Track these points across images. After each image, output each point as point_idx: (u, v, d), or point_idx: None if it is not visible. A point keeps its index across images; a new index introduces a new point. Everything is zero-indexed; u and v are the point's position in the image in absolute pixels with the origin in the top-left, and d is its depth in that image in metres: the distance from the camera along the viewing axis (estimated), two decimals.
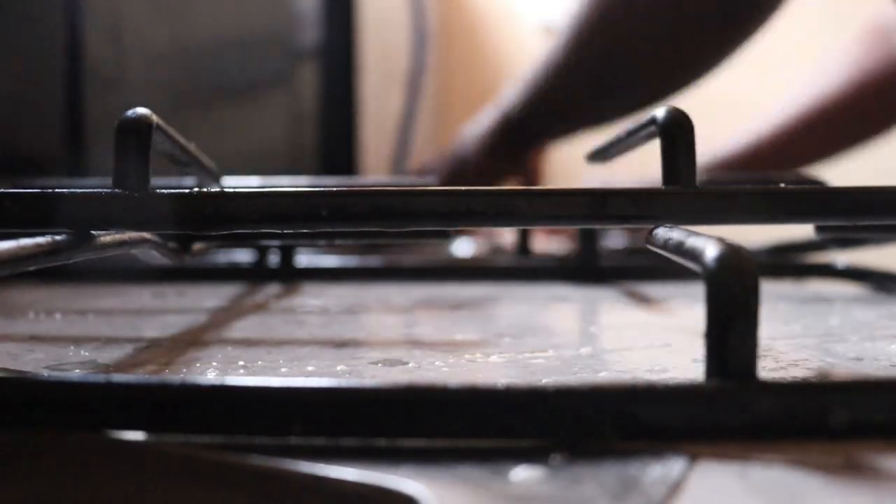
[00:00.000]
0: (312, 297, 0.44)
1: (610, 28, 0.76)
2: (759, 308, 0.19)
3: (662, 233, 0.25)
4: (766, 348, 0.29)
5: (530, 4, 1.69)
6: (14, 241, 0.24)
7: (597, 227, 0.49)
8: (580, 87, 0.78)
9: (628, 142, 0.34)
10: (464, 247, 0.73)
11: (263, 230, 0.33)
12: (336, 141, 1.06)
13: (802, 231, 0.46)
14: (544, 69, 0.79)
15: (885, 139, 0.91)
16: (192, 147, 0.34)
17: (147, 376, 0.24)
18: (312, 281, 0.50)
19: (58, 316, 0.37)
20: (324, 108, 1.05)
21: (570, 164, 0.71)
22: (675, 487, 0.16)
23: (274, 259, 0.51)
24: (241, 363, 0.27)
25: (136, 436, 0.18)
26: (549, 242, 0.81)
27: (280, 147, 0.99)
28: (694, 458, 0.18)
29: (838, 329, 0.34)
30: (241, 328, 0.34)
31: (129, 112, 0.28)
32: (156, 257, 0.34)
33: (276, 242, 0.49)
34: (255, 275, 0.50)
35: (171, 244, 0.36)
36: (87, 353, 0.28)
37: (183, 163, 0.34)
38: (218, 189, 0.36)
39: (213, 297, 0.43)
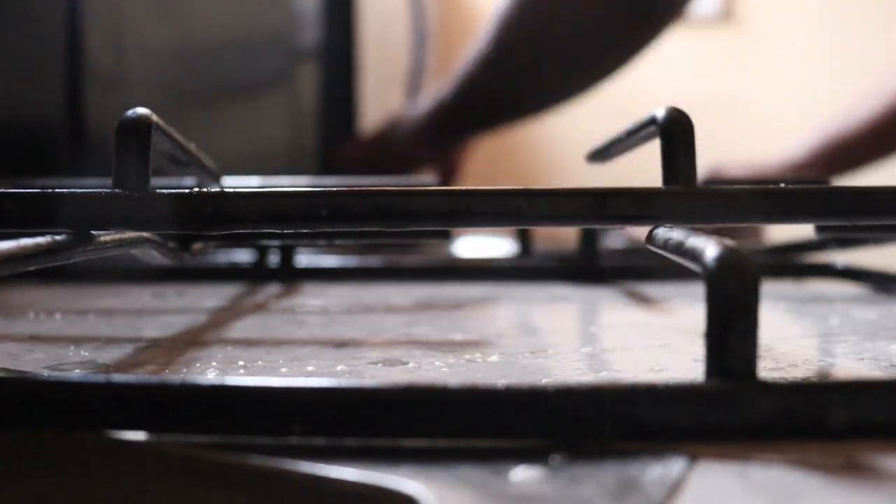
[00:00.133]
0: (312, 297, 0.44)
1: (530, 16, 0.79)
2: (759, 308, 0.19)
3: (662, 233, 0.25)
4: (766, 348, 0.29)
5: None
6: (14, 241, 0.24)
7: (597, 227, 0.49)
8: (504, 75, 0.82)
9: (628, 142, 0.34)
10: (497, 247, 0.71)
11: (263, 230, 0.33)
12: (336, 141, 1.06)
13: (802, 231, 0.46)
14: (473, 60, 0.82)
15: None
16: (192, 147, 0.34)
17: (147, 376, 0.24)
18: (312, 281, 0.50)
19: (58, 316, 0.37)
20: (324, 108, 1.05)
21: (569, 164, 0.71)
22: (675, 487, 0.16)
23: (274, 259, 0.51)
24: (241, 363, 0.27)
25: (136, 436, 0.18)
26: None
27: (280, 147, 0.99)
28: (694, 458, 0.18)
29: (838, 329, 0.34)
30: (241, 328, 0.34)
31: (129, 112, 0.28)
32: (156, 257, 0.34)
33: (276, 242, 0.49)
34: (255, 275, 0.50)
35: (171, 244, 0.36)
36: (87, 353, 0.28)
37: (183, 163, 0.34)
38: (218, 189, 0.36)
39: (213, 297, 0.43)
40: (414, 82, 1.34)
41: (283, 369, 0.26)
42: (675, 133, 0.28)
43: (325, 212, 0.26)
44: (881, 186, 0.27)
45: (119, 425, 0.18)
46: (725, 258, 0.19)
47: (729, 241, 0.20)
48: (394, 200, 0.26)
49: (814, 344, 0.30)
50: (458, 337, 0.32)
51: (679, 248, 0.23)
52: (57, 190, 0.26)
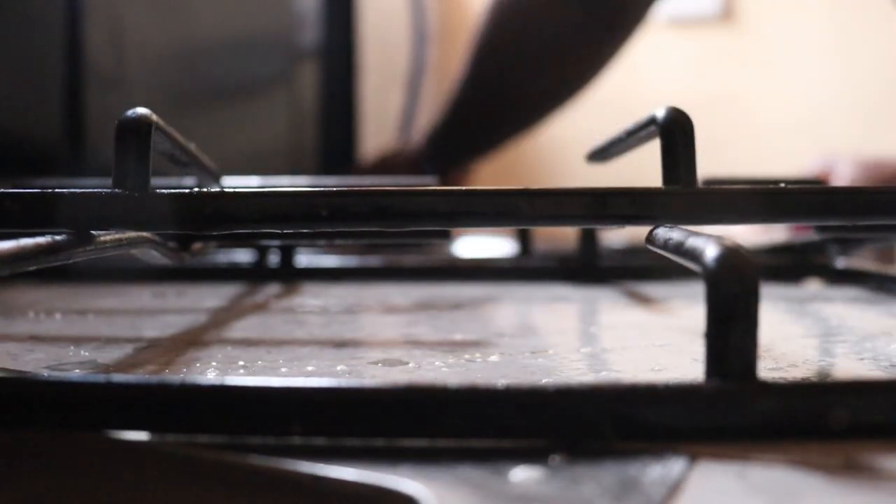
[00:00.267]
0: (312, 297, 0.44)
1: (502, 32, 0.82)
2: (759, 308, 0.19)
3: (662, 233, 0.25)
4: (766, 348, 0.29)
5: None
6: (14, 241, 0.24)
7: (597, 227, 0.49)
8: (485, 93, 0.84)
9: (628, 142, 0.34)
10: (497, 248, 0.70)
11: (263, 230, 0.33)
12: (336, 141, 1.06)
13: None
14: (457, 84, 0.85)
15: None
16: (192, 147, 0.34)
17: (147, 376, 0.24)
18: (312, 281, 0.50)
19: (58, 316, 0.37)
20: (324, 108, 1.05)
21: (569, 164, 0.71)
22: (675, 487, 0.16)
23: (274, 259, 0.51)
24: (241, 363, 0.27)
25: (136, 436, 0.18)
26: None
27: (280, 147, 0.99)
28: (694, 458, 0.18)
29: (838, 329, 0.34)
30: (241, 328, 0.34)
31: (129, 112, 0.28)
32: (156, 257, 0.34)
33: (276, 242, 0.49)
34: (255, 275, 0.50)
35: (171, 244, 0.36)
36: (87, 353, 0.28)
37: (183, 163, 0.34)
38: (218, 189, 0.36)
39: (213, 297, 0.43)
40: (414, 82, 1.34)
41: (283, 369, 0.26)
42: (675, 133, 0.28)
43: (325, 212, 0.26)
44: (881, 186, 0.27)
45: (119, 425, 0.18)
46: (725, 258, 0.19)
47: (729, 241, 0.20)
48: (394, 200, 0.26)
49: (814, 344, 0.30)
50: (458, 337, 0.32)
51: (679, 248, 0.23)
52: (57, 190, 0.26)
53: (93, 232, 0.27)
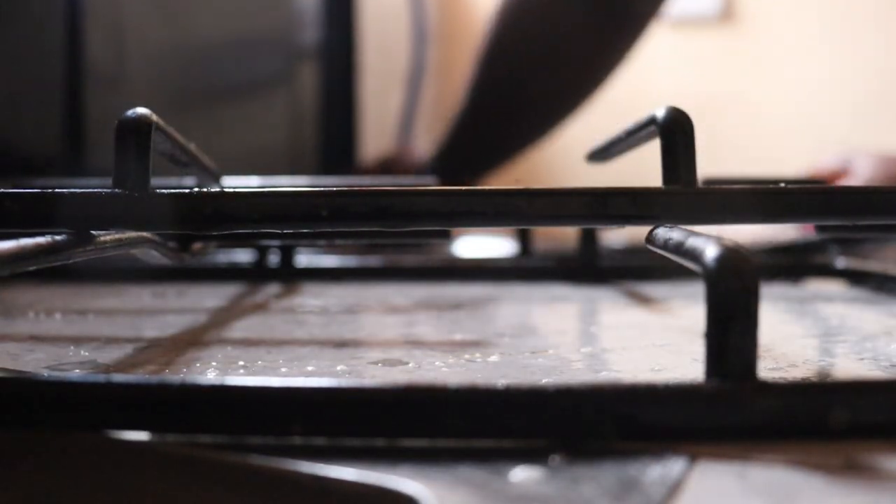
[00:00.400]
0: (312, 297, 0.44)
1: (510, 38, 0.80)
2: (759, 308, 0.19)
3: (662, 233, 0.25)
4: (766, 348, 0.29)
5: None
6: (14, 241, 0.24)
7: (597, 227, 0.49)
8: (494, 104, 0.82)
9: (628, 142, 0.34)
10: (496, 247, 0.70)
11: (263, 230, 0.33)
12: (336, 141, 1.06)
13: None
14: (463, 101, 0.83)
15: None
16: (192, 147, 0.34)
17: (147, 376, 0.24)
18: (312, 281, 0.50)
19: (58, 316, 0.37)
20: (324, 108, 1.05)
21: (570, 164, 0.71)
22: (675, 488, 0.16)
23: (274, 259, 0.51)
24: (241, 363, 0.27)
25: (136, 436, 0.18)
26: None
27: (280, 147, 0.99)
28: (694, 458, 0.18)
29: (838, 329, 0.34)
30: (241, 328, 0.34)
31: (129, 112, 0.28)
32: (156, 257, 0.34)
33: (276, 242, 0.49)
34: (255, 275, 0.50)
35: (171, 244, 0.36)
36: (87, 353, 0.28)
37: (183, 163, 0.34)
38: (218, 189, 0.36)
39: (213, 297, 0.43)
40: (414, 82, 1.34)
41: (283, 369, 0.26)
42: (675, 133, 0.28)
43: (325, 212, 0.26)
44: (881, 186, 0.27)
45: (119, 425, 0.18)
46: (725, 258, 0.19)
47: (729, 241, 0.20)
48: (394, 200, 0.26)
49: (814, 344, 0.30)
50: (458, 337, 0.32)
51: (679, 248, 0.23)
52: (57, 190, 0.26)
53: (93, 232, 0.27)
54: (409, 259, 0.55)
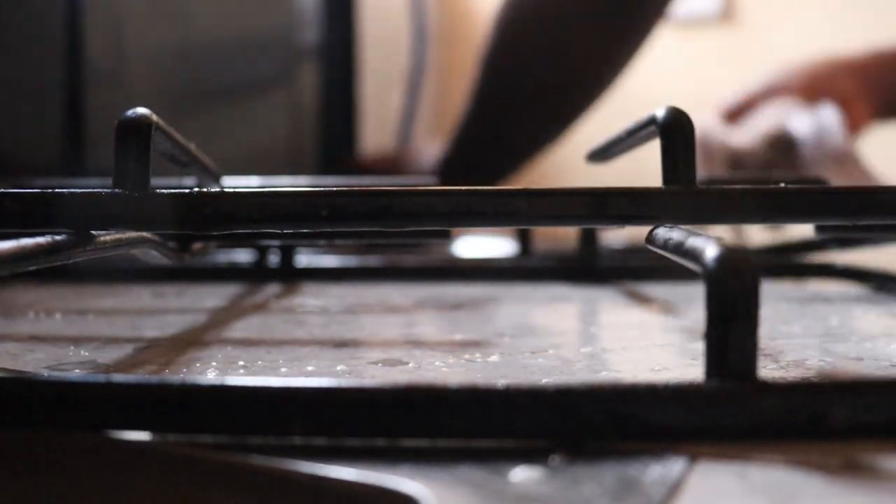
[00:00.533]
0: (312, 297, 0.44)
1: (514, 29, 0.77)
2: (759, 308, 0.19)
3: (662, 233, 0.25)
4: (766, 348, 0.29)
5: None
6: (14, 241, 0.24)
7: (597, 227, 0.49)
8: (501, 100, 0.79)
9: (628, 142, 0.34)
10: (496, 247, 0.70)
11: (263, 230, 0.33)
12: (336, 141, 1.06)
13: (802, 231, 0.46)
14: (468, 105, 0.80)
15: None
16: (192, 147, 0.34)
17: (147, 376, 0.24)
18: (312, 281, 0.50)
19: (58, 316, 0.37)
20: (324, 108, 1.05)
21: (570, 164, 0.71)
22: (675, 488, 0.16)
23: (274, 259, 0.51)
24: (241, 363, 0.27)
25: (136, 436, 0.18)
26: None
27: (280, 147, 0.99)
28: (694, 458, 0.18)
29: (838, 329, 0.34)
30: (241, 328, 0.34)
31: (129, 112, 0.28)
32: (156, 257, 0.34)
33: (276, 242, 0.49)
34: (255, 275, 0.50)
35: (171, 244, 0.36)
36: (87, 353, 0.28)
37: (183, 163, 0.34)
38: (218, 189, 0.36)
39: (213, 297, 0.43)
40: (414, 82, 1.34)
41: (283, 369, 0.26)
42: (675, 133, 0.28)
43: (325, 212, 0.26)
44: (881, 186, 0.27)
45: (119, 425, 0.18)
46: (725, 258, 0.19)
47: (729, 241, 0.20)
48: (394, 200, 0.26)
49: (814, 344, 0.30)
50: (458, 337, 0.32)
51: (679, 248, 0.23)
52: (57, 190, 0.26)
53: (93, 232, 0.27)
54: (409, 259, 0.55)
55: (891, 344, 0.30)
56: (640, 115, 0.31)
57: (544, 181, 0.90)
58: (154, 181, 0.27)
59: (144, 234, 0.31)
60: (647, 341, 0.31)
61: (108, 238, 0.28)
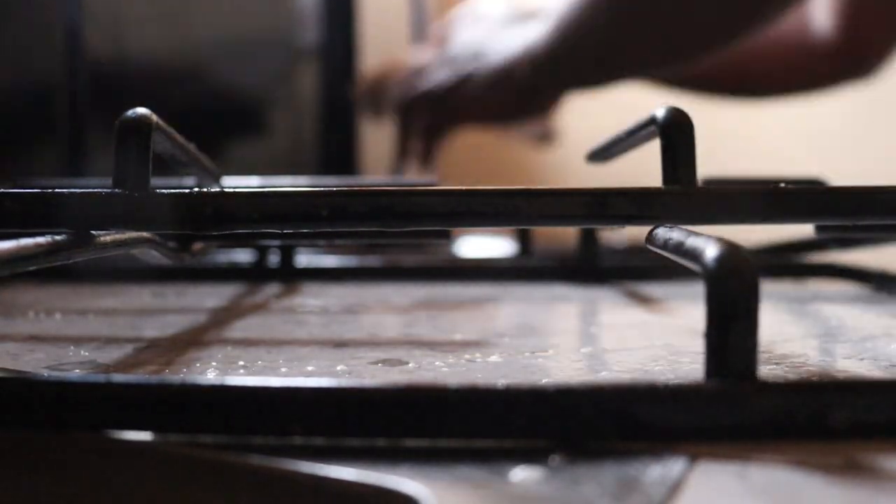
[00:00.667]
0: (312, 297, 0.44)
1: None
2: (759, 308, 0.19)
3: (662, 233, 0.25)
4: (766, 348, 0.29)
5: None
6: (14, 241, 0.24)
7: (597, 227, 0.49)
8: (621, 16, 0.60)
9: (628, 142, 0.34)
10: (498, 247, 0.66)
11: (263, 230, 0.33)
12: (336, 141, 1.06)
13: (802, 231, 0.46)
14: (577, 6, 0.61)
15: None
16: (192, 147, 0.34)
17: (147, 376, 0.24)
18: (312, 281, 0.50)
19: (58, 316, 0.37)
20: (324, 108, 1.05)
21: (570, 164, 0.71)
22: (675, 487, 0.16)
23: (274, 259, 0.51)
24: (241, 363, 0.27)
25: (136, 436, 0.18)
26: None
27: (280, 147, 0.99)
28: (694, 458, 0.18)
29: (838, 329, 0.34)
30: (241, 328, 0.34)
31: (129, 112, 0.28)
32: (156, 257, 0.34)
33: (276, 242, 0.49)
34: (255, 275, 0.50)
35: (171, 244, 0.36)
36: (87, 353, 0.28)
37: (183, 163, 0.34)
38: (218, 189, 0.36)
39: (213, 297, 0.43)
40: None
41: (283, 369, 0.26)
42: (675, 133, 0.28)
43: (325, 212, 0.26)
44: (881, 186, 0.27)
45: (119, 425, 0.18)
46: (725, 258, 0.19)
47: (729, 241, 0.20)
48: (394, 200, 0.26)
49: (814, 344, 0.30)
50: (458, 337, 0.32)
51: (679, 248, 0.23)
52: (57, 190, 0.26)
53: (93, 232, 0.27)
54: (409, 259, 0.55)
55: (891, 344, 0.30)
56: (640, 116, 0.31)
57: (544, 181, 0.90)
58: (154, 181, 0.27)
59: (144, 234, 0.31)
60: (647, 341, 0.31)
61: (108, 238, 0.28)
